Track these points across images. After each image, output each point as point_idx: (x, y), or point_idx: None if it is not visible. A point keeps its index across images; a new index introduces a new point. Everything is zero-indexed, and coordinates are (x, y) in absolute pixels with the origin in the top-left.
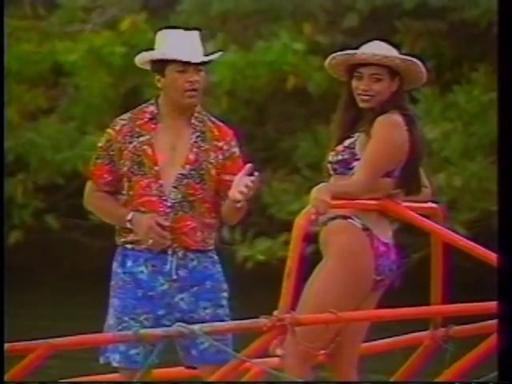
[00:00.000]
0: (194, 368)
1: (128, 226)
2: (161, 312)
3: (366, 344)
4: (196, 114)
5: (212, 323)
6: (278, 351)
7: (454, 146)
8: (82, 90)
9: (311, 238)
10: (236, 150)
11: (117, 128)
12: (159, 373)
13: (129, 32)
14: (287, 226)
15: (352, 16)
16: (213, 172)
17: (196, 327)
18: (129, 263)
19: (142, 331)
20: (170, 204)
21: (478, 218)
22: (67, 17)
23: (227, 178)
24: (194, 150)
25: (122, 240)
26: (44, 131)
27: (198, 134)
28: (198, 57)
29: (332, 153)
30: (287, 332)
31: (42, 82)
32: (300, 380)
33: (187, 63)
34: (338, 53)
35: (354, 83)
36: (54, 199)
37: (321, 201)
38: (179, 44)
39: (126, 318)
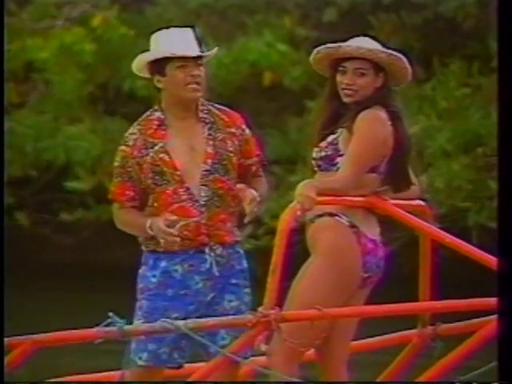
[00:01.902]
0: None
1: (150, 232)
2: (191, 308)
3: (354, 342)
4: (201, 107)
5: (196, 319)
6: (263, 348)
7: (429, 142)
8: (53, 85)
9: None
10: (248, 131)
11: (130, 143)
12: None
13: (101, 28)
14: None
15: (331, 10)
16: (234, 160)
17: (181, 323)
18: (163, 263)
19: (127, 327)
20: (202, 203)
21: (446, 214)
22: (38, 13)
23: (248, 162)
24: (210, 142)
25: (152, 248)
26: (24, 121)
27: (209, 125)
28: (195, 51)
29: (316, 149)
30: (272, 328)
31: (13, 77)
32: (287, 378)
33: (186, 58)
34: (323, 46)
35: (338, 78)
36: (23, 194)
37: (306, 197)
38: (175, 41)
39: (155, 319)
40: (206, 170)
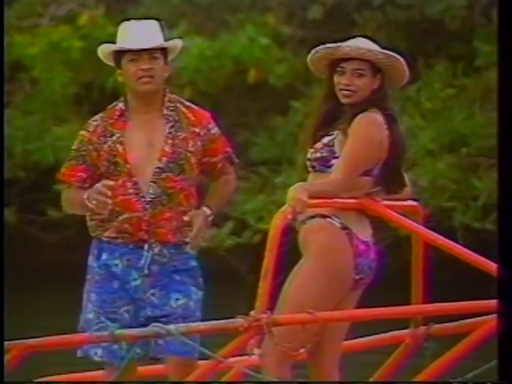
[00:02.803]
0: (158, 359)
1: (88, 204)
2: (133, 306)
3: (346, 342)
4: (167, 104)
5: (188, 324)
6: (256, 351)
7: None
8: (40, 83)
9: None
10: (215, 130)
11: (90, 129)
12: (146, 370)
13: (87, 27)
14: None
15: (316, 8)
16: (193, 160)
17: (172, 327)
18: (104, 256)
19: (118, 331)
20: (148, 199)
21: (431, 214)
22: (23, 11)
23: (213, 159)
24: (169, 141)
25: (97, 235)
26: (12, 122)
27: (172, 123)
28: (148, 44)
29: (311, 150)
30: (264, 332)
31: None
32: (277, 380)
33: (138, 51)
34: (321, 46)
35: (336, 78)
36: (8, 194)
37: (298, 200)
38: (130, 33)
39: (105, 312)
40: (158, 168)
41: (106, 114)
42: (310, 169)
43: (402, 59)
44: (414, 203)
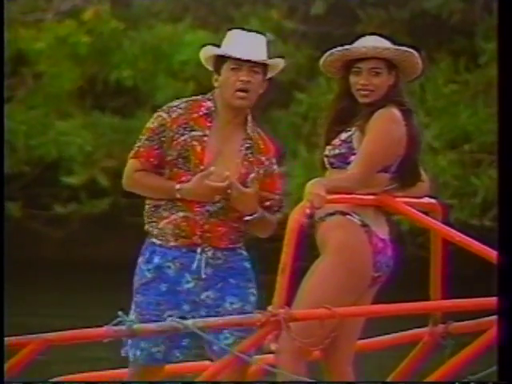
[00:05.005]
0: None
1: (177, 196)
2: (186, 307)
3: (365, 341)
4: (250, 124)
5: (205, 318)
6: (273, 347)
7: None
8: (45, 79)
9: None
10: (276, 167)
11: (173, 115)
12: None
13: (92, 22)
14: None
15: (318, 4)
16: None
17: (190, 322)
18: (156, 259)
19: (136, 326)
20: (208, 208)
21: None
22: (28, 5)
23: (264, 194)
24: (245, 162)
25: (151, 227)
26: (15, 117)
27: (249, 144)
28: (253, 56)
29: (329, 147)
30: (281, 327)
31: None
32: (294, 376)
33: (241, 61)
34: (336, 48)
35: (353, 78)
36: (12, 188)
37: (316, 195)
38: (238, 43)
39: (147, 315)
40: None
41: (190, 105)
42: (327, 165)
43: (416, 53)
44: (432, 200)
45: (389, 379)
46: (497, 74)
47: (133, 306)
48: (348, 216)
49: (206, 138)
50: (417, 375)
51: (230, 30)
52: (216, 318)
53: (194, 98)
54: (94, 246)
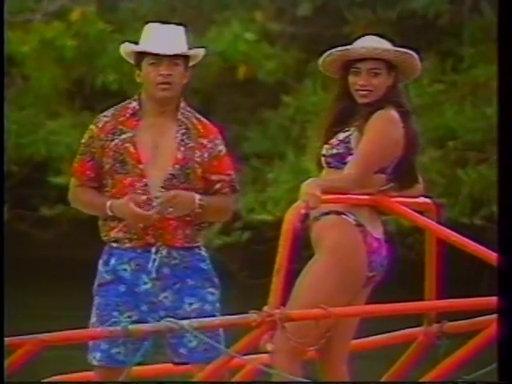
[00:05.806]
0: (186, 363)
1: (109, 213)
2: (144, 308)
3: (359, 340)
4: (182, 111)
5: (201, 319)
6: (268, 347)
7: None
8: (31, 80)
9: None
10: (222, 147)
11: (99, 125)
12: (143, 370)
13: (79, 23)
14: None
15: (305, 5)
16: (198, 171)
17: (185, 322)
18: (112, 261)
19: (131, 327)
20: (154, 205)
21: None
22: (16, 6)
23: (214, 177)
24: (181, 148)
25: (105, 237)
26: (6, 117)
27: (184, 130)
28: (172, 50)
29: (326, 146)
30: (277, 327)
31: None
32: (289, 376)
33: (159, 56)
34: (335, 49)
35: (351, 79)
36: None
37: (311, 195)
38: (155, 37)
39: (107, 316)
40: (171, 174)
41: (117, 111)
42: (324, 165)
43: (415, 54)
44: (427, 200)
45: (383, 379)
46: (497, 73)
47: (93, 309)
48: (343, 215)
49: (136, 138)
50: (411, 376)
51: (147, 23)
52: (212, 319)
53: (122, 103)
54: (82, 247)
